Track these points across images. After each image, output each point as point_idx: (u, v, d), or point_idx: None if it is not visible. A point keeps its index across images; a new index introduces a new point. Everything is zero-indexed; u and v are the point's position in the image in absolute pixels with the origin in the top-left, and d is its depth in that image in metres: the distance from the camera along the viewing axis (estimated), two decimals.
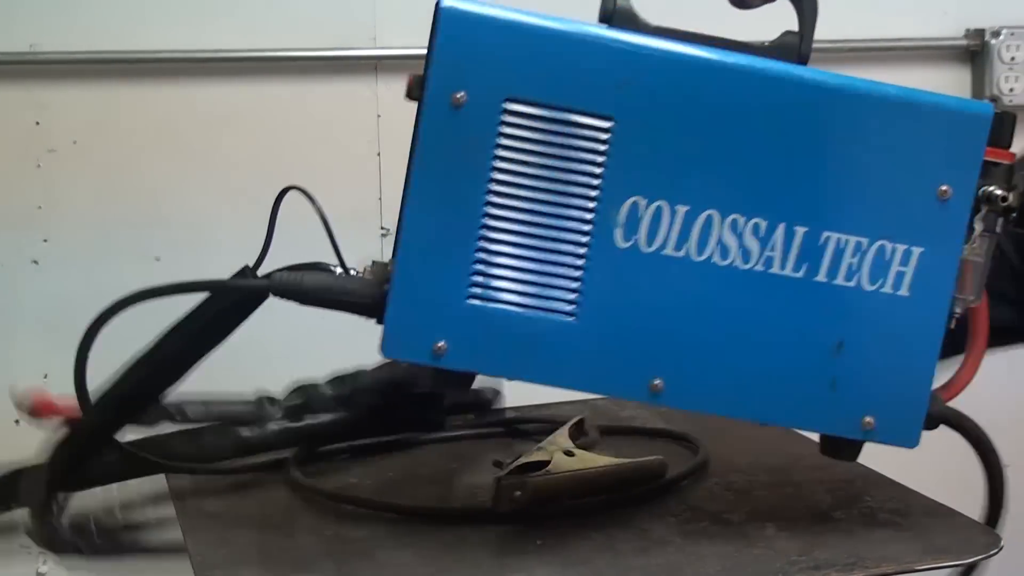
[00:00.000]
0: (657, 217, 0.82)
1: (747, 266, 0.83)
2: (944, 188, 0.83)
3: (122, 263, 1.99)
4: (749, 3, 0.94)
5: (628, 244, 0.83)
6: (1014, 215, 0.87)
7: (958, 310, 0.87)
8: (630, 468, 0.95)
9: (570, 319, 0.83)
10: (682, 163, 0.82)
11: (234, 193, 2.01)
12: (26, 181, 1.99)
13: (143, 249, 2.01)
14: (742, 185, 0.83)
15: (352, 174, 2.02)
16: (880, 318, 0.84)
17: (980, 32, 2.14)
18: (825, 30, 2.19)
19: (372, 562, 0.85)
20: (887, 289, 0.84)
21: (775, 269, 0.83)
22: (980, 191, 0.85)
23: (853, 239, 0.83)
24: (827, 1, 2.41)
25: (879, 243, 0.84)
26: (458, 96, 0.80)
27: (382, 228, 2.01)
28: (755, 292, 0.83)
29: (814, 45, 2.26)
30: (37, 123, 1.99)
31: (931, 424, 0.87)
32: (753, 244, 0.83)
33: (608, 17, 0.83)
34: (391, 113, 2.01)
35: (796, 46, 0.85)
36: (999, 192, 0.85)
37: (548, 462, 0.92)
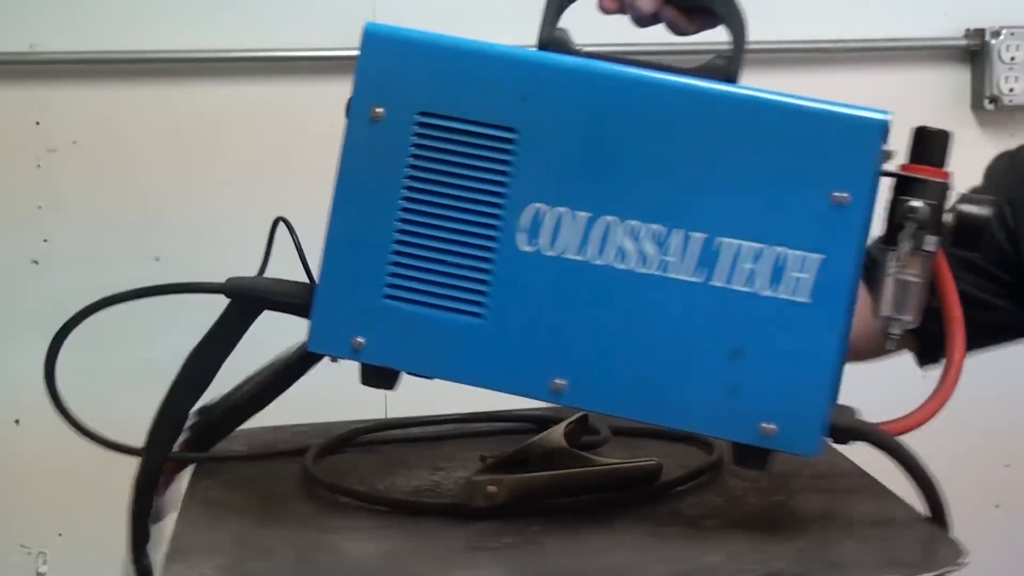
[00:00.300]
0: (559, 222, 0.85)
1: (645, 270, 0.84)
2: (838, 195, 0.82)
3: (122, 263, 2.00)
4: (683, 31, 0.97)
5: (532, 248, 0.85)
6: (951, 236, 0.85)
7: (895, 331, 0.86)
8: (621, 471, 0.95)
9: (477, 319, 0.86)
10: (582, 171, 0.85)
11: (234, 193, 2.01)
12: (26, 181, 2.00)
13: (143, 249, 2.01)
14: (640, 192, 0.84)
15: None
16: (778, 324, 0.83)
17: (980, 32, 2.14)
18: (825, 30, 2.19)
19: (333, 553, 0.87)
20: (785, 295, 0.83)
21: (672, 273, 0.84)
22: (903, 206, 0.84)
23: (749, 245, 0.83)
24: (828, 1, 2.41)
25: (776, 249, 0.83)
26: (378, 111, 0.87)
27: None
28: (653, 296, 0.84)
29: (815, 45, 2.25)
30: (37, 123, 1.99)
31: (840, 437, 0.86)
32: (651, 249, 0.84)
33: (544, 45, 0.88)
34: None
35: (724, 67, 0.86)
36: (915, 205, 0.84)
37: (529, 460, 0.92)
